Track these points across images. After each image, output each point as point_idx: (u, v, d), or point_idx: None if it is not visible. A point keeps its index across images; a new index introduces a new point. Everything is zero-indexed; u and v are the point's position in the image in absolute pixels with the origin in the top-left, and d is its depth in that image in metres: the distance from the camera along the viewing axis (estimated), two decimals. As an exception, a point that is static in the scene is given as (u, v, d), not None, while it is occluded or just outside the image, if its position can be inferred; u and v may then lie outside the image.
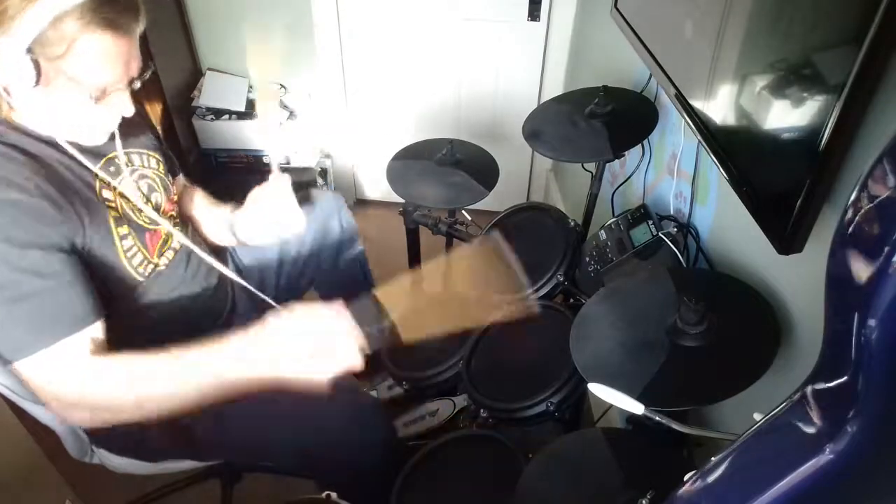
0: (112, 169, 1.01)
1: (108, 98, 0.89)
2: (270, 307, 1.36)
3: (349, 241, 1.51)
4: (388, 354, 1.46)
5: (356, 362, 0.90)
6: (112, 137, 1.02)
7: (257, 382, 0.88)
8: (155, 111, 2.23)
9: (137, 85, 0.94)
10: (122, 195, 1.01)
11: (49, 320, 0.86)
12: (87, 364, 0.89)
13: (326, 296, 1.55)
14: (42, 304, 0.85)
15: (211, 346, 0.89)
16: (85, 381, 0.89)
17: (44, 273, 0.85)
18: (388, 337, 0.93)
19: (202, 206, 1.30)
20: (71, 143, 0.93)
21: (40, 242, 0.85)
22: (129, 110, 0.94)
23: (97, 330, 0.91)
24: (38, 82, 0.80)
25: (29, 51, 0.78)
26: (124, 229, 0.99)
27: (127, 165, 1.04)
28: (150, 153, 1.13)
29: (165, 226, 1.07)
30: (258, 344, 0.89)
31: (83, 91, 0.85)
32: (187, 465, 1.22)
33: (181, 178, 1.31)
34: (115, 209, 0.99)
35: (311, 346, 0.88)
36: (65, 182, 0.92)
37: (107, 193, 0.99)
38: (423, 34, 2.33)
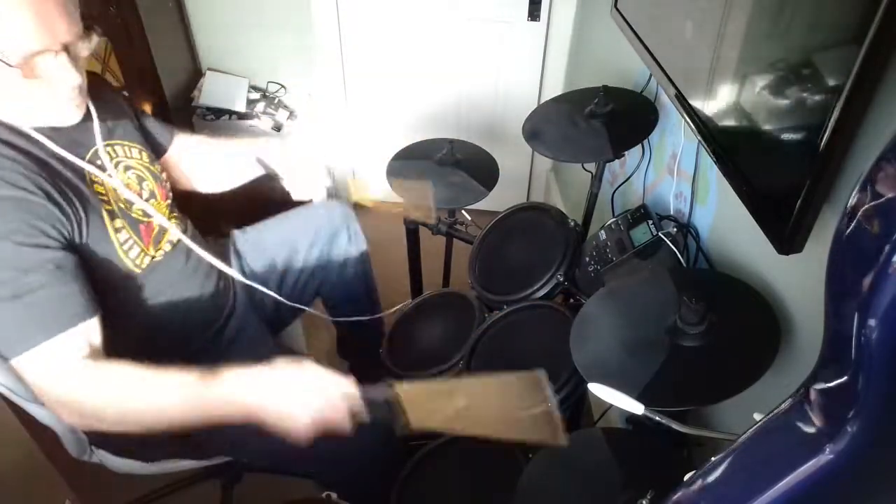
0: (98, 163, 1.00)
1: (40, 69, 0.83)
2: (270, 315, 1.36)
3: (357, 255, 1.49)
4: (388, 355, 1.46)
5: (344, 430, 0.89)
6: (91, 129, 1.00)
7: (239, 415, 0.88)
8: (155, 111, 2.23)
9: (83, 52, 0.88)
10: (113, 189, 1.01)
11: (45, 316, 0.86)
12: (80, 365, 0.88)
13: (332, 307, 1.54)
14: (39, 301, 0.85)
15: (205, 371, 0.89)
16: (77, 381, 0.89)
17: (41, 270, 0.85)
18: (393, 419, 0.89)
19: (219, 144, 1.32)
20: (52, 135, 0.92)
21: (39, 240, 0.85)
22: (74, 79, 0.87)
23: (93, 328, 0.91)
24: None
25: None
26: (119, 223, 0.99)
27: (111, 158, 1.03)
28: (132, 144, 1.10)
29: (158, 219, 1.07)
30: (258, 382, 0.88)
31: (6, 67, 0.80)
32: (187, 465, 1.22)
33: (178, 137, 1.28)
34: (108, 203, 0.99)
35: (309, 402, 0.87)
36: (61, 177, 0.91)
37: (98, 188, 0.98)
38: (423, 34, 2.33)
